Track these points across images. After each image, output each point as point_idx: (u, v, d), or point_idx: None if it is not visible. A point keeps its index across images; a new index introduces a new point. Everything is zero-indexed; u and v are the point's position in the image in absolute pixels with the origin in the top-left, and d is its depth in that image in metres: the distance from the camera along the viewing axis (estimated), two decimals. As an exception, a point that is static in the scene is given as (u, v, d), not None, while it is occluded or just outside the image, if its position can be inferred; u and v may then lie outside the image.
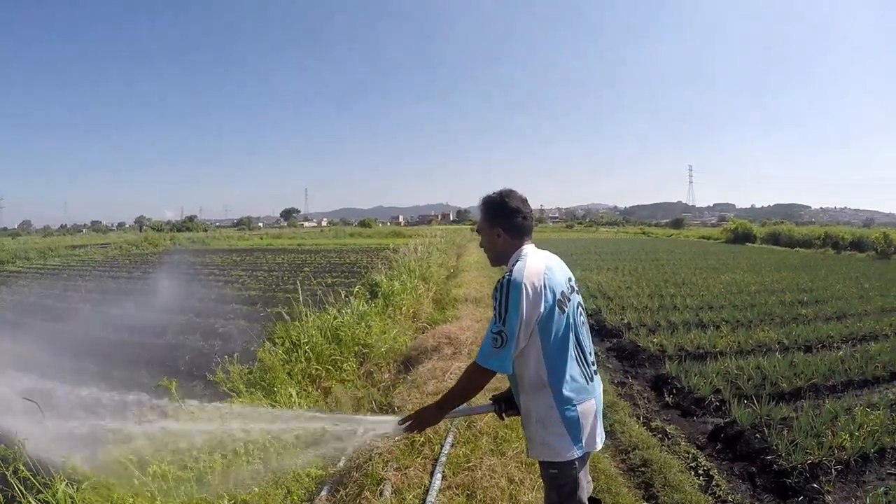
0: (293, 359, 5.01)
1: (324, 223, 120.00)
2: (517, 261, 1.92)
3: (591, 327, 8.58)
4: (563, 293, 1.90)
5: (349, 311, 6.08)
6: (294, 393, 4.55)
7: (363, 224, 69.95)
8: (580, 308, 2.02)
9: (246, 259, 24.00)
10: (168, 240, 40.94)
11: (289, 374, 4.82)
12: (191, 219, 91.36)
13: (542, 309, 1.82)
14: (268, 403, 4.28)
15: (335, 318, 5.76)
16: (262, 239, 45.30)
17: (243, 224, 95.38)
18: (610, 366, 6.16)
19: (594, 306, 9.28)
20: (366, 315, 6.12)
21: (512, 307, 1.78)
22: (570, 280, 2.01)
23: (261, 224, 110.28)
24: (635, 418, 4.58)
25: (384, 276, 8.27)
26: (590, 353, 2.00)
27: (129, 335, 8.83)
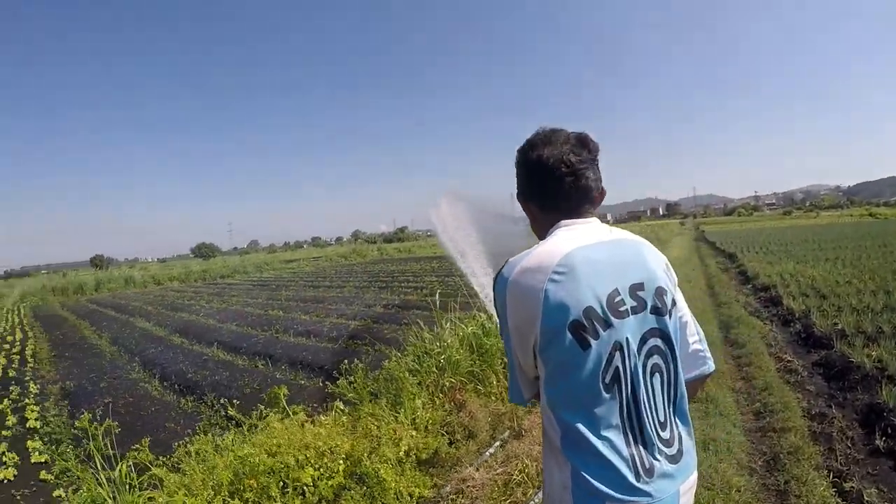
0: (423, 368, 5.15)
1: None
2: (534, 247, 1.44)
3: (797, 333, 6.97)
4: (594, 311, 1.29)
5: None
6: (420, 405, 4.69)
7: None
8: (658, 344, 1.38)
9: (444, 265, 26.42)
10: (375, 250, 47.33)
11: (419, 384, 5.00)
12: (402, 230, 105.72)
13: (536, 329, 1.32)
14: (390, 414, 4.52)
15: (481, 325, 5.80)
16: None
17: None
18: (811, 388, 5.38)
19: (803, 306, 8.66)
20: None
21: (500, 316, 1.41)
22: (636, 289, 1.36)
23: None
24: (825, 471, 3.73)
25: None
26: (664, 427, 1.38)
27: (302, 339, 10.29)
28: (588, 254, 1.35)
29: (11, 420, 6.85)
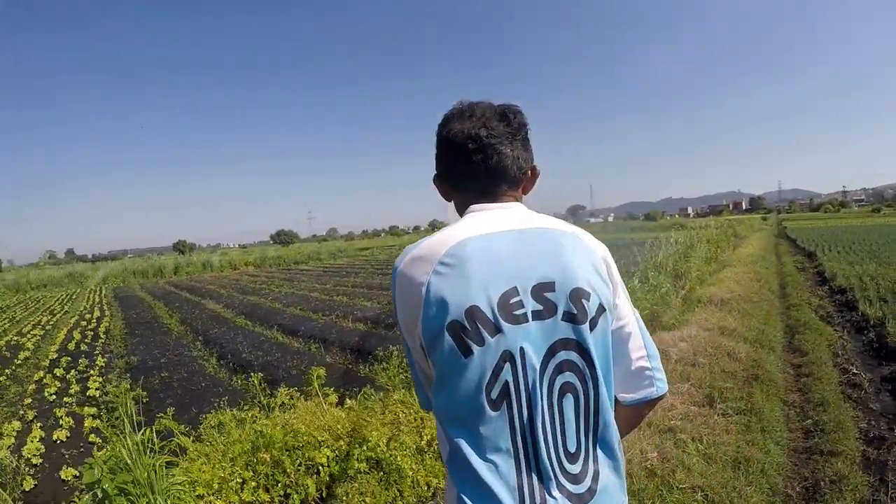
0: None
1: (610, 218, 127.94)
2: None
3: (869, 343, 6.37)
4: (480, 312, 1.13)
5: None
6: None
7: (648, 217, 74.31)
8: (573, 359, 1.18)
9: None
10: None
11: None
12: None
13: (419, 328, 1.17)
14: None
15: None
16: None
17: None
18: (875, 406, 4.82)
19: (879, 313, 7.97)
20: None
21: (394, 309, 1.28)
22: (543, 290, 1.17)
23: None
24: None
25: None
26: (573, 459, 1.18)
27: (360, 325, 10.55)
28: (487, 244, 1.18)
29: (74, 388, 7.50)
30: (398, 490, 3.74)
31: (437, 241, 1.21)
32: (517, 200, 1.33)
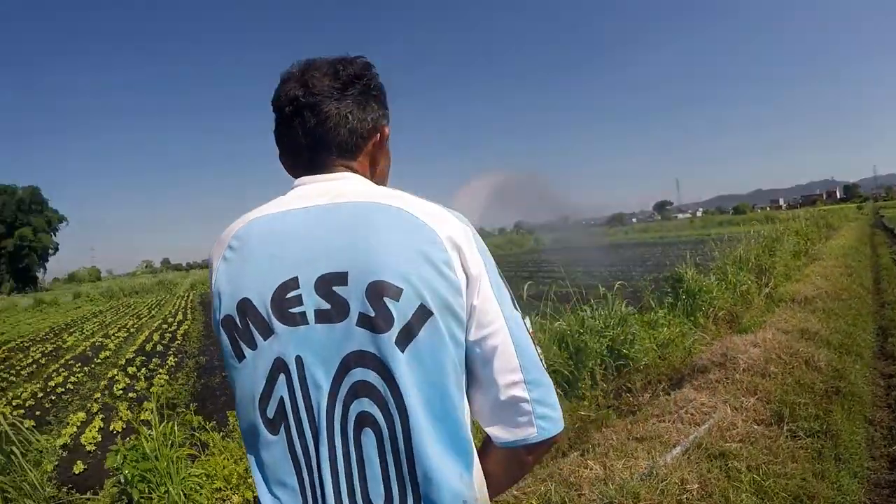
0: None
1: (699, 213, 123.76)
2: None
3: None
4: (251, 306, 0.96)
5: (603, 312, 5.72)
6: None
7: (737, 210, 73.45)
8: (370, 380, 0.92)
9: (592, 256, 26.75)
10: (532, 240, 48.29)
11: None
12: (564, 219, 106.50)
13: (214, 327, 1.02)
14: None
15: (581, 320, 5.55)
16: (626, 234, 53.48)
17: (615, 220, 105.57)
18: None
19: None
20: (628, 318, 5.67)
21: None
22: (331, 283, 0.93)
23: (634, 220, 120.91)
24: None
25: (690, 269, 7.40)
26: None
27: None
28: (274, 223, 1.00)
29: (141, 384, 8.02)
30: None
31: (237, 221, 1.04)
32: (357, 171, 1.08)
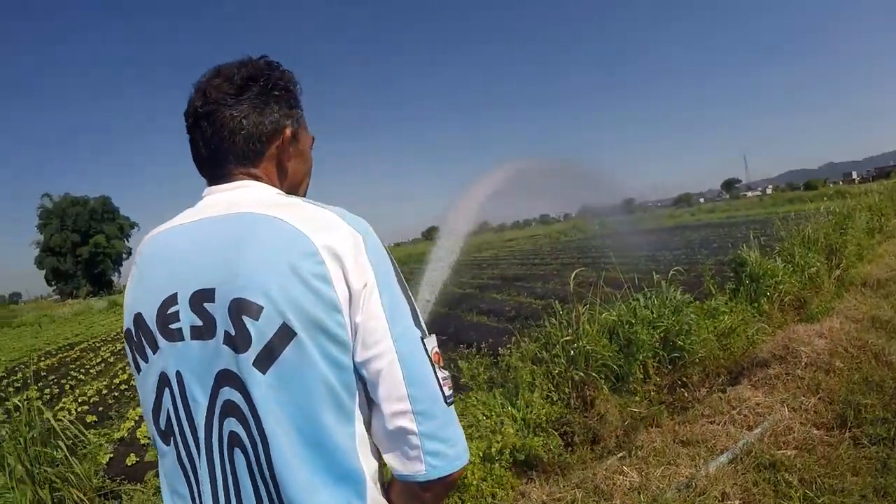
0: (546, 359, 4.84)
1: (768, 190, 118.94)
2: None
3: None
4: (143, 321, 0.98)
5: (655, 300, 5.39)
6: (537, 397, 4.43)
7: (808, 186, 71.41)
8: (235, 401, 0.91)
9: (657, 240, 25.14)
10: (596, 225, 47.55)
11: (546, 374, 4.72)
12: (629, 202, 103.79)
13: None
14: (501, 405, 4.36)
15: (633, 311, 5.24)
16: (692, 215, 51.62)
17: (682, 201, 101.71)
18: None
19: None
20: (683, 307, 5.32)
21: None
22: (202, 299, 0.92)
23: (701, 200, 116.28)
24: None
25: (754, 251, 6.90)
26: None
27: (483, 318, 10.56)
28: (171, 238, 1.01)
29: None
30: (459, 498, 3.57)
31: (151, 234, 1.06)
32: (260, 177, 1.07)
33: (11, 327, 32.06)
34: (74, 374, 11.44)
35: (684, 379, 4.90)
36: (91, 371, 11.44)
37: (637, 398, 4.63)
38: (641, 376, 4.79)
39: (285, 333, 0.86)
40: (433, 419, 0.92)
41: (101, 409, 7.69)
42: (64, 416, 7.16)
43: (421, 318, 0.98)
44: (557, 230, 48.71)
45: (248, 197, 1.00)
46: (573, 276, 5.36)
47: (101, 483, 4.12)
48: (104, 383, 9.45)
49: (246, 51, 1.11)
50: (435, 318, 11.03)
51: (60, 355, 15.41)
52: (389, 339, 0.91)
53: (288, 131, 1.07)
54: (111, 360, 12.67)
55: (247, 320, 0.87)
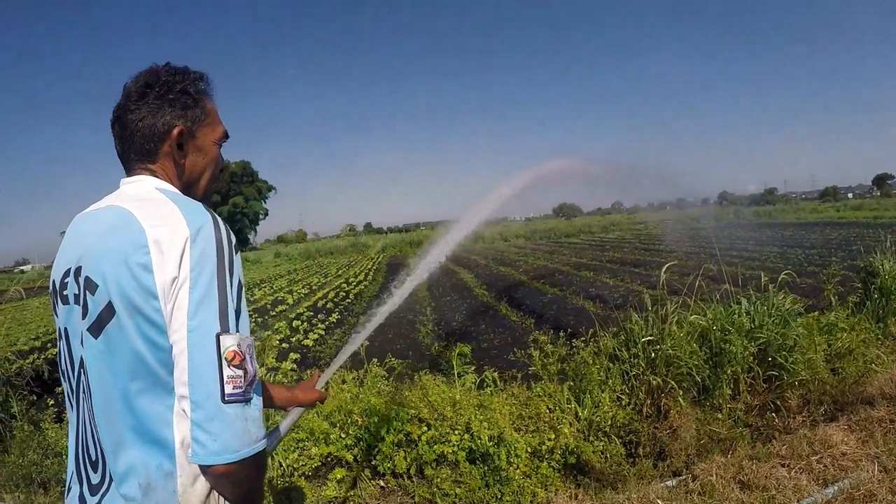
0: (623, 358, 4.48)
1: None
2: None
3: None
4: (55, 286, 1.23)
5: (759, 307, 4.78)
6: (607, 399, 4.13)
7: None
8: (85, 358, 1.13)
9: (794, 235, 24.85)
10: (731, 214, 45.10)
11: (622, 374, 4.39)
12: (771, 191, 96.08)
13: None
14: (565, 400, 4.11)
15: (730, 315, 4.71)
16: (837, 211, 49.58)
17: (828, 195, 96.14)
18: None
19: None
20: (791, 318, 4.70)
21: None
22: (76, 273, 1.14)
23: (849, 195, 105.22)
24: None
25: (889, 260, 5.90)
26: (95, 468, 1.15)
27: (588, 303, 10.15)
28: (80, 222, 1.24)
29: (299, 337, 8.78)
30: (499, 491, 3.42)
31: None
32: (157, 172, 1.25)
33: None
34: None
35: (779, 402, 4.38)
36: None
37: (720, 416, 4.20)
38: (729, 392, 4.32)
39: (110, 311, 1.06)
40: (202, 410, 1.01)
41: None
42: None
43: (231, 316, 1.06)
44: (691, 215, 46.71)
45: (131, 191, 1.21)
46: (664, 269, 4.89)
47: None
48: None
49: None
50: (542, 299, 10.89)
51: None
52: (185, 329, 1.02)
53: (175, 131, 1.22)
54: None
55: (88, 294, 1.10)
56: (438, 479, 3.44)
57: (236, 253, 1.15)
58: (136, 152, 1.24)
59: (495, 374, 4.46)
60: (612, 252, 21.89)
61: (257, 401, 1.08)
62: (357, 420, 3.70)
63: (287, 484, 3.64)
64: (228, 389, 1.02)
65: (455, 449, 3.55)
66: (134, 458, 1.08)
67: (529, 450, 3.62)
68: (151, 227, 1.07)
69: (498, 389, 4.34)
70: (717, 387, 4.31)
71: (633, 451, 3.91)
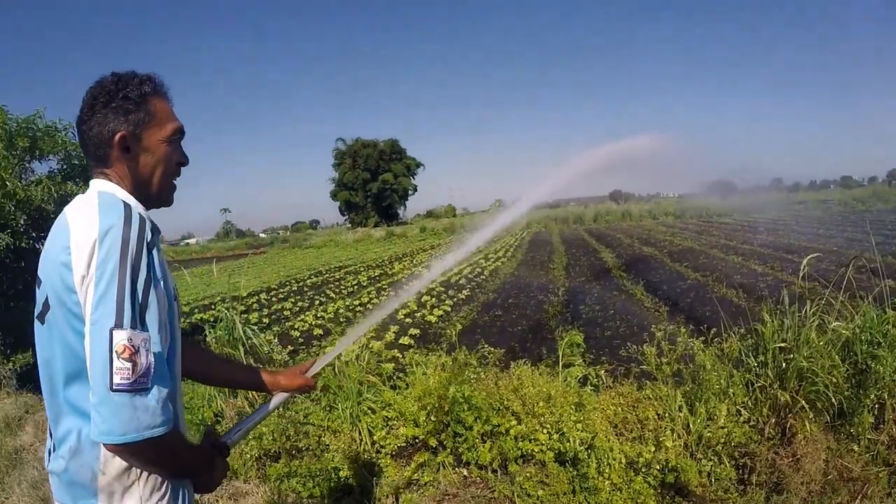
0: (749, 366, 3.96)
1: None
2: None
3: None
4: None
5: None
6: (724, 412, 3.69)
7: None
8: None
9: None
10: None
11: (748, 385, 3.89)
12: None
13: None
14: (676, 407, 3.74)
15: (882, 325, 3.97)
16: None
17: None
18: None
19: None
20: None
21: None
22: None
23: None
24: None
25: None
26: (54, 429, 1.36)
27: (730, 292, 9.36)
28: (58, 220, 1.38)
29: (423, 313, 8.93)
30: (586, 501, 3.22)
31: None
32: (111, 175, 1.37)
33: (302, 248, 39.98)
34: (329, 291, 13.13)
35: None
36: (342, 291, 13.04)
37: (856, 448, 3.55)
38: (871, 420, 3.64)
39: (46, 303, 1.28)
40: (96, 396, 1.15)
41: (330, 325, 8.61)
42: (300, 326, 8.35)
43: (127, 311, 1.15)
44: (855, 196, 42.23)
45: (81, 195, 1.37)
46: (804, 262, 4.25)
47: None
48: (346, 303, 10.61)
49: None
50: (682, 285, 10.33)
51: (327, 275, 17.89)
52: (88, 323, 1.17)
53: (116, 136, 1.33)
54: (365, 283, 14.21)
55: (38, 287, 1.34)
56: (522, 478, 3.31)
57: (151, 250, 1.24)
58: (91, 159, 1.39)
59: (601, 372, 4.20)
60: (764, 235, 19.92)
61: (156, 391, 1.17)
62: (444, 406, 3.64)
63: (372, 459, 3.73)
64: (116, 380, 1.13)
65: (543, 448, 3.40)
66: (68, 426, 1.29)
67: (625, 460, 3.33)
68: (75, 230, 1.24)
69: (606, 387, 4.08)
70: (858, 412, 3.65)
71: (744, 476, 3.45)
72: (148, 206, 1.41)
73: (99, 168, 1.37)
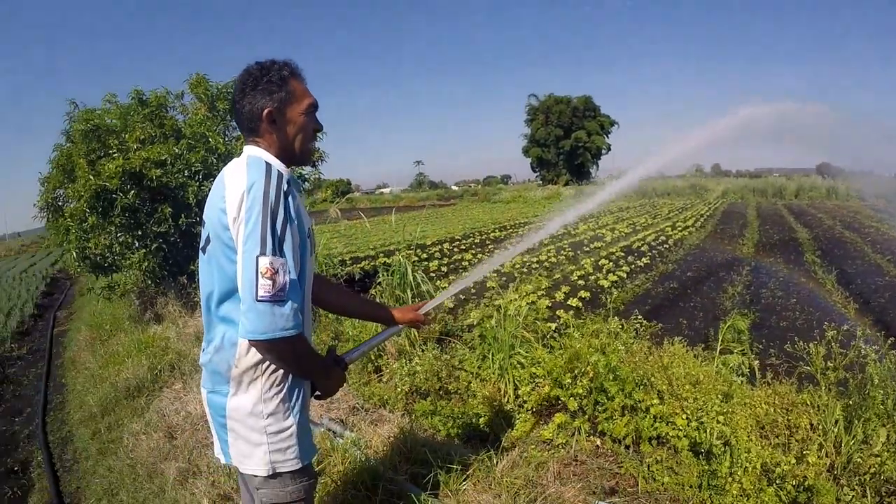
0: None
1: None
2: None
3: None
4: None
5: None
6: (883, 438, 3.07)
7: None
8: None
9: None
10: None
11: None
12: None
13: None
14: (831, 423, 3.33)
15: None
16: None
17: None
18: None
19: None
20: None
21: None
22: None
23: None
24: None
25: None
26: (207, 330, 1.79)
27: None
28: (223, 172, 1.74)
29: (596, 276, 8.78)
30: (710, 499, 3.03)
31: None
32: (261, 143, 1.71)
33: (490, 203, 41.13)
34: (509, 246, 12.99)
35: None
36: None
37: None
38: None
39: (208, 238, 1.67)
40: (245, 304, 1.51)
41: (503, 279, 8.67)
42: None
43: (269, 242, 1.49)
44: None
45: (238, 158, 1.72)
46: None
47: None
48: (524, 259, 10.49)
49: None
50: (873, 278, 9.33)
51: (511, 230, 18.02)
52: (241, 252, 1.53)
53: (264, 112, 1.66)
54: (547, 241, 13.97)
55: (202, 227, 1.73)
56: (652, 460, 3.25)
57: (287, 197, 1.58)
58: (244, 130, 1.74)
59: (759, 364, 3.90)
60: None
61: (290, 303, 1.51)
62: (590, 373, 3.65)
63: (512, 411, 3.92)
64: (260, 293, 1.47)
65: (679, 434, 3.28)
66: (217, 331, 1.70)
67: (760, 466, 3.02)
68: (229, 184, 1.61)
69: (764, 382, 3.76)
70: None
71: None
72: (291, 165, 1.75)
73: (251, 137, 1.72)
